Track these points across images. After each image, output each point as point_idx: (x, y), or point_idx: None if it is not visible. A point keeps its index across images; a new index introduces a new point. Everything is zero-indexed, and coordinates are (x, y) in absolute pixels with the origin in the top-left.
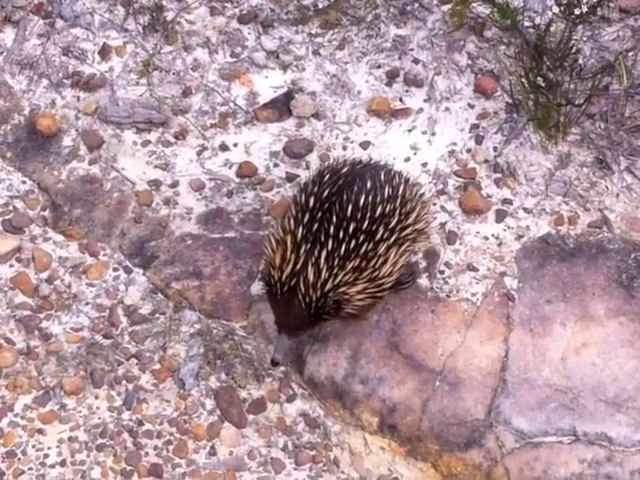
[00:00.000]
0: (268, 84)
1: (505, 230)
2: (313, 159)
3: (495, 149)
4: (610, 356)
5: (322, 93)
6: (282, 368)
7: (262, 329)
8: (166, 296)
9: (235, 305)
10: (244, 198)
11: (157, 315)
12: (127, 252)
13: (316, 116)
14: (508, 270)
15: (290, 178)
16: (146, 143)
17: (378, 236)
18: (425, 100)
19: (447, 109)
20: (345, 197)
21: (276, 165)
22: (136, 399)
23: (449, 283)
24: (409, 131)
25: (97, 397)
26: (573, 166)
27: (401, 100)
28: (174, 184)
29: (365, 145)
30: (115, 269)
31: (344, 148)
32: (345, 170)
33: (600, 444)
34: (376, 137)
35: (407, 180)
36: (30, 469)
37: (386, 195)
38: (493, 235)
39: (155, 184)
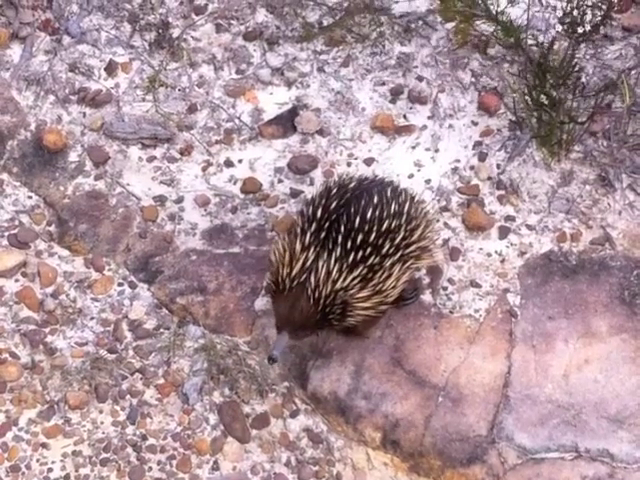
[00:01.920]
0: (273, 101)
1: (508, 247)
2: (317, 175)
3: (498, 166)
4: (612, 373)
5: (326, 110)
6: (286, 383)
7: (266, 344)
8: (170, 311)
9: (239, 320)
10: (248, 214)
11: (161, 330)
12: (132, 267)
13: (320, 132)
14: (511, 287)
15: (294, 194)
16: (151, 159)
17: (384, 250)
18: (429, 117)
19: (451, 126)
20: (352, 209)
21: (280, 181)
22: (140, 414)
23: (452, 299)
24: (413, 148)
25: (101, 411)
26: (576, 183)
27: (405, 117)
28: (179, 200)
29: (369, 162)
30: (120, 284)
31: (348, 164)
32: (352, 185)
33: (602, 460)
34: (380, 154)
35: (413, 197)
36: None
37: (392, 211)
38: (496, 252)
39: (160, 200)
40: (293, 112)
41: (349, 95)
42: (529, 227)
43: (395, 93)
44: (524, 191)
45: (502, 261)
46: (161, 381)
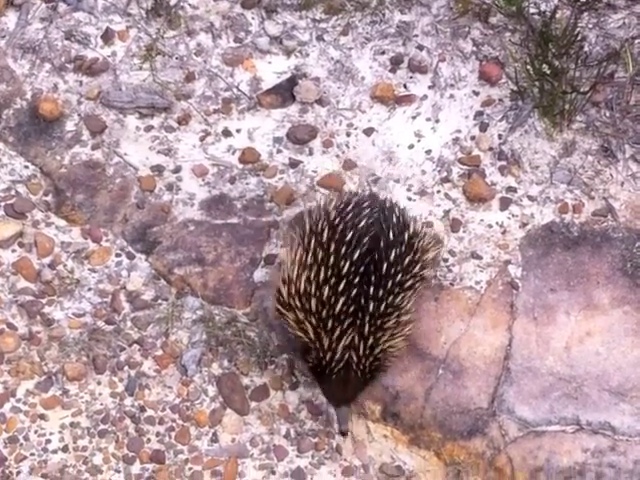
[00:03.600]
0: (272, 70)
1: (509, 218)
2: (316, 145)
3: (500, 137)
4: (614, 345)
5: (326, 79)
6: (285, 355)
7: (265, 316)
8: (168, 282)
9: (238, 292)
10: (247, 184)
11: (159, 301)
12: (129, 238)
13: (320, 102)
14: (512, 258)
15: (293, 164)
16: (149, 128)
17: (406, 285)
18: (429, 87)
19: (451, 96)
20: (378, 256)
21: (279, 151)
22: (138, 385)
23: (453, 271)
24: (413, 118)
25: (99, 383)
26: (578, 154)
27: (405, 87)
28: (177, 170)
29: (369, 132)
30: (117, 255)
31: (347, 134)
32: (362, 224)
33: (604, 433)
34: (380, 124)
35: (404, 214)
36: (32, 455)
37: (405, 240)
38: (497, 223)
39: (158, 169)
40: (292, 81)
41: (348, 64)
42: (530, 198)
43: (395, 62)
44: (526, 162)
45: (503, 232)
46: (159, 352)
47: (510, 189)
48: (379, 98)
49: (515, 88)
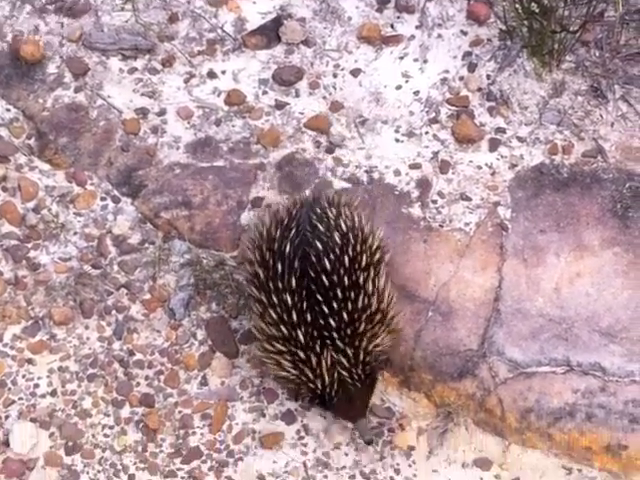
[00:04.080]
0: (256, 10)
1: (498, 159)
2: (303, 87)
3: (488, 77)
4: (604, 286)
5: (311, 19)
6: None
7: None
8: (155, 226)
9: (225, 235)
10: (233, 126)
11: (146, 245)
12: (115, 181)
13: (306, 43)
14: (501, 200)
15: (279, 106)
16: (132, 70)
17: (361, 280)
18: (417, 27)
19: (439, 36)
20: (314, 273)
21: (265, 93)
22: (126, 329)
23: (442, 213)
24: (400, 58)
25: (87, 327)
26: (567, 94)
27: (392, 27)
28: (161, 112)
29: (355, 72)
30: (103, 198)
31: (334, 75)
32: (288, 250)
33: (594, 374)
34: (367, 64)
35: (338, 202)
36: (20, 399)
37: (341, 236)
38: (486, 164)
39: (142, 112)
40: (277, 22)
41: (334, 4)
42: (520, 139)
43: (382, 2)
44: (515, 102)
45: (492, 174)
46: (147, 296)
47: (499, 130)
48: (366, 38)
49: (504, 27)
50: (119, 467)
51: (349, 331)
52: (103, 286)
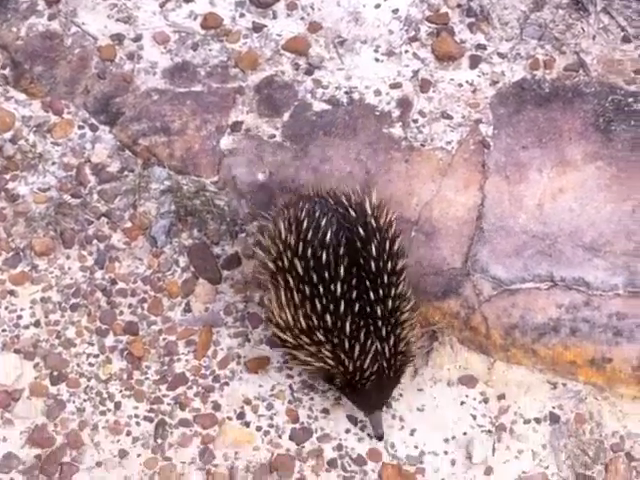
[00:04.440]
0: None
1: (479, 76)
2: (280, 8)
3: None
4: (587, 201)
5: None
6: (256, 223)
7: (233, 184)
8: (134, 153)
9: (205, 160)
10: (210, 50)
11: (126, 173)
12: (92, 109)
13: None
14: (483, 117)
15: (257, 28)
16: None
17: (398, 268)
18: None
19: None
20: (362, 259)
21: (242, 15)
22: (108, 258)
23: (423, 132)
24: None
25: (68, 257)
26: (548, 8)
27: None
28: (137, 38)
29: None
30: (80, 127)
31: None
32: (329, 236)
33: (578, 289)
34: None
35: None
36: (4, 331)
37: (377, 233)
38: (467, 82)
39: (118, 38)
40: None
41: None
42: (501, 55)
43: None
44: (495, 18)
45: (473, 91)
46: (128, 225)
47: (480, 46)
48: None
49: None
50: (105, 395)
51: (393, 320)
52: (83, 215)
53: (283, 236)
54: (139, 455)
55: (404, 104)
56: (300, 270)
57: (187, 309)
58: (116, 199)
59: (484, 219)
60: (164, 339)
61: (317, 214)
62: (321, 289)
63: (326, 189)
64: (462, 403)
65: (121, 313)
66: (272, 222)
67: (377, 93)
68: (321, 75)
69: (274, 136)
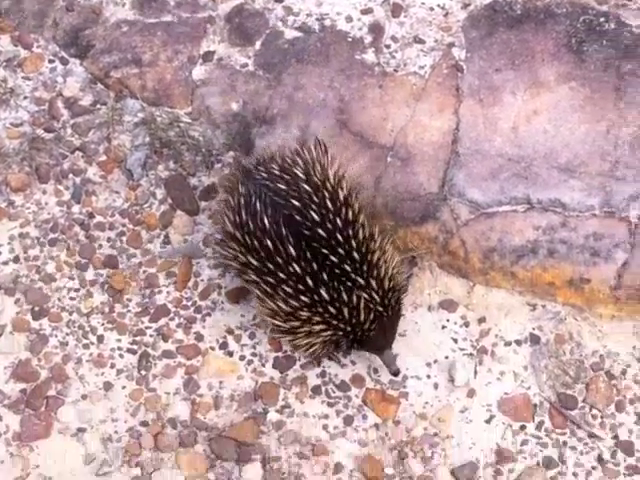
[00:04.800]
0: None
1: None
2: None
3: None
4: (561, 122)
5: None
6: (231, 153)
7: (207, 115)
8: (106, 86)
9: (178, 91)
10: None
11: (98, 106)
12: (62, 42)
13: None
14: (456, 41)
15: None
16: None
17: (353, 217)
18: None
19: None
20: (307, 229)
21: None
22: (84, 192)
23: (396, 57)
24: None
25: (45, 192)
26: None
27: None
28: None
29: None
30: (51, 61)
31: None
32: (267, 221)
33: (554, 210)
34: None
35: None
36: None
37: (315, 195)
38: (439, 5)
39: None
40: None
41: None
42: None
43: None
44: None
45: (445, 15)
46: (103, 158)
47: None
48: None
49: None
50: (87, 329)
51: (365, 266)
52: (58, 150)
53: (231, 233)
54: (124, 387)
55: (376, 30)
56: (255, 263)
57: (166, 241)
58: (90, 132)
59: (459, 143)
60: (144, 271)
61: (252, 199)
62: (281, 275)
63: (260, 157)
64: (443, 327)
65: (100, 247)
66: (220, 223)
67: (349, 19)
68: (292, 2)
69: (246, 65)
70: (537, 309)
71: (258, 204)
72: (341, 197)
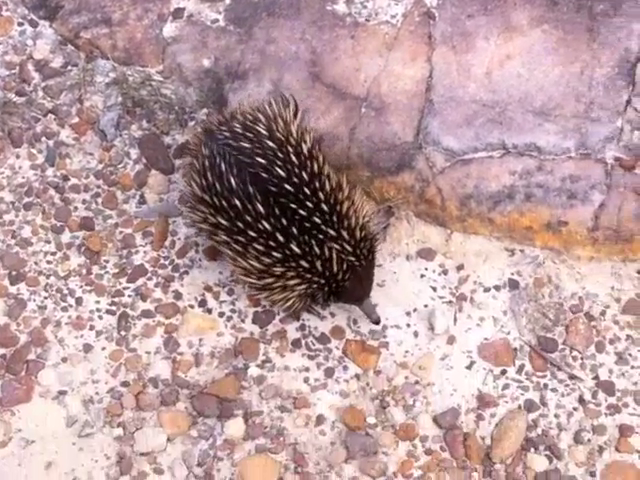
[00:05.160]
0: None
1: None
2: None
3: None
4: (535, 66)
5: None
6: (205, 110)
7: (179, 72)
8: (76, 47)
9: (149, 50)
10: None
11: (69, 67)
12: (30, 5)
13: None
14: None
15: None
16: None
17: (317, 169)
18: None
19: None
20: (273, 185)
21: None
22: (58, 155)
23: (367, 7)
24: None
25: (18, 157)
26: None
27: None
28: None
29: None
30: (20, 24)
31: None
32: (234, 181)
33: (530, 155)
34: None
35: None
36: None
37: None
38: None
39: None
40: None
41: None
42: None
43: None
44: None
45: None
46: (75, 120)
47: None
48: None
49: None
50: (65, 292)
51: (335, 218)
52: (30, 113)
53: (199, 196)
54: (104, 348)
55: None
56: (225, 223)
57: (142, 201)
58: (62, 95)
59: (433, 91)
60: (120, 232)
61: (217, 160)
62: (252, 233)
63: (221, 116)
64: (422, 276)
65: (75, 209)
66: (187, 185)
67: None
68: None
69: (217, 20)
70: (515, 254)
71: (223, 165)
72: (305, 150)
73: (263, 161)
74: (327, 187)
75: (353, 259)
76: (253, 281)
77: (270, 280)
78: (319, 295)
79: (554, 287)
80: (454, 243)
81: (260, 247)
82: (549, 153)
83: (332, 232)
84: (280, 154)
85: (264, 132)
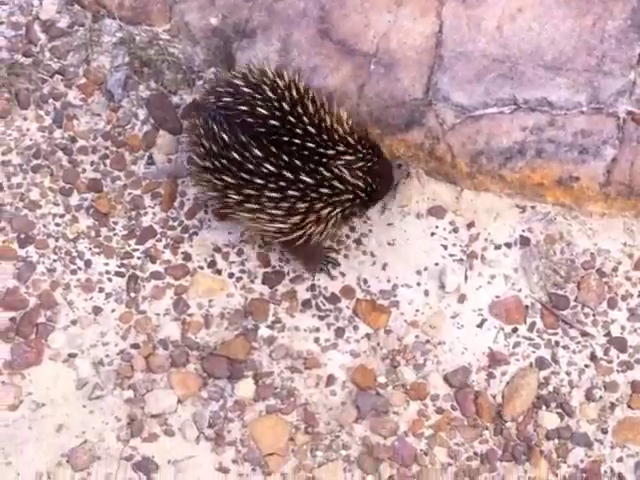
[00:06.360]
0: None
1: None
2: None
3: None
4: (546, 19)
5: None
6: (212, 69)
7: (187, 31)
8: (83, 6)
9: (156, 8)
10: None
11: (76, 27)
12: None
13: None
14: None
15: None
16: None
17: (308, 103)
18: None
19: None
20: (268, 131)
21: None
22: (66, 116)
23: None
24: None
25: (25, 118)
26: None
27: None
28: None
29: None
30: None
31: None
32: (229, 139)
33: (541, 110)
34: None
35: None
36: None
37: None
38: None
39: None
40: None
41: None
42: None
43: None
44: None
45: None
46: (83, 80)
47: None
48: None
49: None
50: (74, 254)
51: (325, 136)
52: (37, 74)
53: (203, 166)
54: (113, 310)
55: None
56: (232, 180)
57: (150, 162)
58: (68, 55)
59: (443, 46)
60: (129, 194)
61: (209, 124)
62: (259, 180)
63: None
64: (432, 234)
65: (84, 171)
66: (189, 158)
67: None
68: None
69: None
70: (526, 211)
71: (215, 126)
72: (281, 85)
73: (245, 107)
74: (310, 109)
75: (362, 164)
76: (280, 226)
77: (297, 218)
78: (356, 209)
79: (565, 244)
80: (464, 200)
81: (274, 194)
82: (560, 108)
83: (330, 152)
84: (258, 95)
85: (240, 82)
